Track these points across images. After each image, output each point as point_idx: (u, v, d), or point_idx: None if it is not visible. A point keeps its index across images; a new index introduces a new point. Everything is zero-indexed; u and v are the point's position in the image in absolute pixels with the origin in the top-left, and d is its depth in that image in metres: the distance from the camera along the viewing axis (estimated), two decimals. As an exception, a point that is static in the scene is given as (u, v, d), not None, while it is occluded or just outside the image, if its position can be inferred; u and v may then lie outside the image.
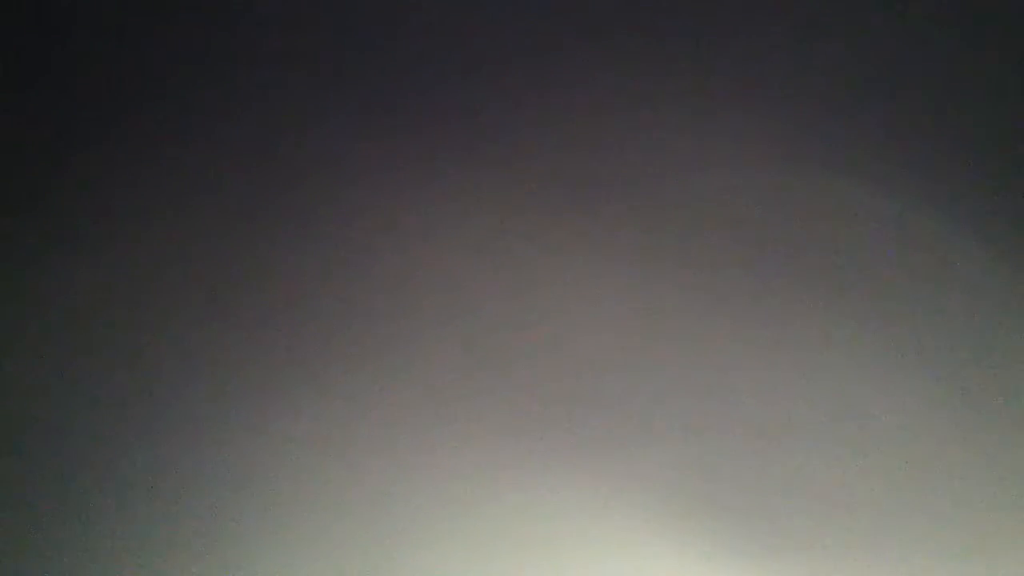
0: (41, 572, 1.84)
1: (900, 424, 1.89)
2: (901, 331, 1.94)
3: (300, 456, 1.90)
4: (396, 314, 1.96)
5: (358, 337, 1.95)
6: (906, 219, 1.98)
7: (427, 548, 1.86)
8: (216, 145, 2.05)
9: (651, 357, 1.93)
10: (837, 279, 1.96)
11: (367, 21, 2.10)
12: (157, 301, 1.97)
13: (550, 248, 1.99)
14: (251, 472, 1.89)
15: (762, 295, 1.96)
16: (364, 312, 1.97)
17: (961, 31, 2.04)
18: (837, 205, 1.99)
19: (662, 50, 2.07)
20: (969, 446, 1.88)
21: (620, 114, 2.05)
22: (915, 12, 2.06)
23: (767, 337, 1.94)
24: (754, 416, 1.90)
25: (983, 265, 1.96)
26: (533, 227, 2.00)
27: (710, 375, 1.92)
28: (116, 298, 1.97)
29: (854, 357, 1.93)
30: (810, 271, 1.97)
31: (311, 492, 1.88)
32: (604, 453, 1.89)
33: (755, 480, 1.87)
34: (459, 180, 2.03)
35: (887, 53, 2.05)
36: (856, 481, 1.87)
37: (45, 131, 2.05)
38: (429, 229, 2.01)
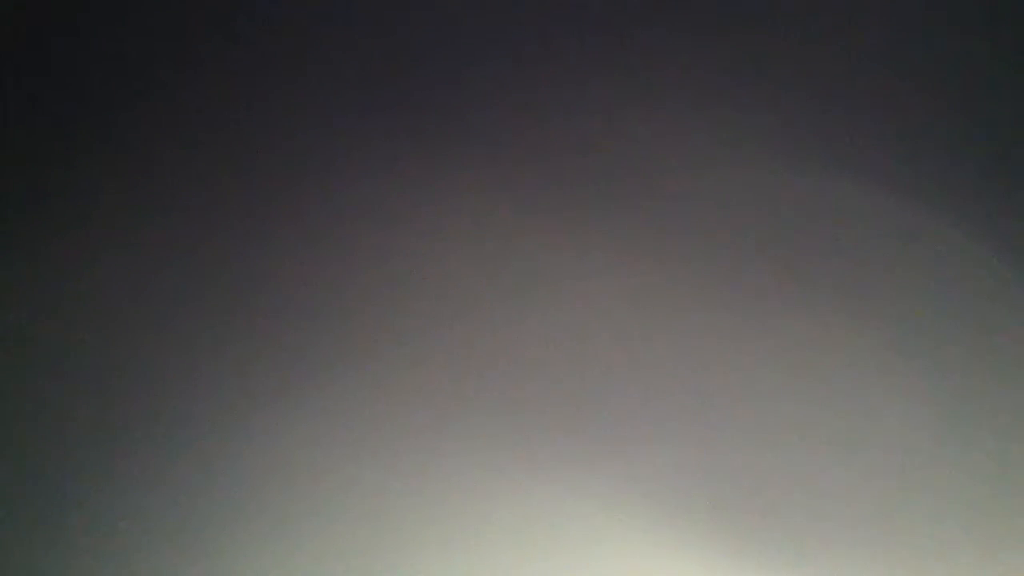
0: (42, 572, 1.84)
1: (901, 424, 1.89)
2: (902, 330, 1.94)
3: (299, 457, 1.90)
4: (397, 314, 1.96)
5: (358, 337, 1.95)
6: (906, 219, 1.98)
7: (428, 550, 1.86)
8: (215, 145, 2.05)
9: (651, 357, 1.93)
10: (837, 279, 1.96)
11: (367, 20, 2.10)
12: (156, 301, 1.97)
13: (552, 248, 1.99)
14: (250, 473, 1.89)
15: (762, 295, 1.96)
16: (364, 312, 1.97)
17: (961, 30, 2.04)
18: (837, 205, 1.99)
19: (663, 49, 2.07)
20: (969, 446, 1.88)
21: (619, 114, 2.05)
22: (915, 11, 2.06)
23: (768, 337, 1.94)
24: (755, 416, 1.90)
25: (983, 265, 1.96)
26: (534, 226, 2.00)
27: (710, 376, 1.92)
28: (116, 298, 1.97)
29: (855, 357, 1.93)
30: (810, 271, 1.97)
31: (311, 493, 1.88)
32: (606, 455, 1.89)
33: (757, 481, 1.87)
34: (458, 180, 2.03)
35: (887, 53, 2.05)
36: (857, 481, 1.87)
37: (45, 131, 2.05)
38: (429, 229, 2.01)
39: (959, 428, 1.89)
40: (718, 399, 1.91)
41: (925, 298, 1.95)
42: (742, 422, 1.90)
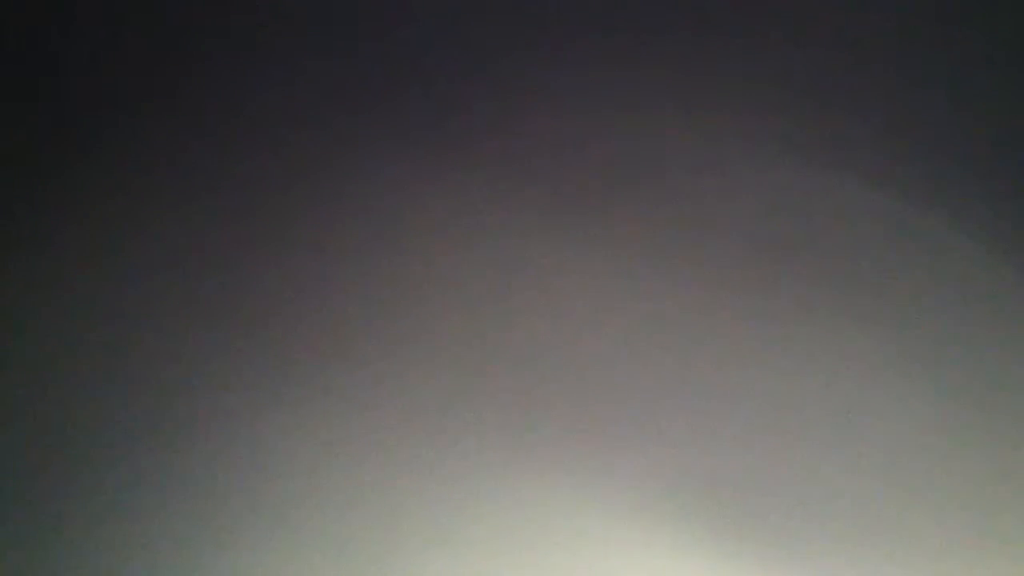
0: (42, 572, 1.84)
1: (900, 424, 1.89)
2: (901, 330, 1.94)
3: (300, 456, 1.90)
4: (396, 314, 1.96)
5: (358, 336, 1.96)
6: (906, 219, 1.98)
7: (427, 548, 1.86)
8: (215, 145, 2.05)
9: (652, 357, 1.93)
10: (837, 279, 1.96)
11: (367, 19, 2.10)
12: (157, 301, 1.97)
13: (551, 247, 1.99)
14: (250, 472, 1.89)
15: (761, 295, 1.96)
16: (364, 311, 1.97)
17: (961, 31, 2.04)
18: (837, 205, 1.99)
19: (663, 49, 2.07)
20: (969, 446, 1.88)
21: (620, 114, 2.05)
22: (915, 12, 2.06)
23: (767, 336, 1.94)
24: (754, 415, 1.90)
25: (983, 265, 1.96)
26: (534, 226, 2.01)
27: (710, 374, 1.92)
28: (116, 298, 1.97)
29: (854, 356, 1.93)
30: (810, 271, 1.97)
31: (311, 493, 1.88)
32: (606, 453, 1.89)
33: (756, 480, 1.87)
34: (459, 179, 2.03)
35: (887, 53, 2.05)
36: (856, 481, 1.87)
37: (45, 131, 2.05)
38: (429, 228, 2.01)
39: (959, 428, 1.89)
40: (718, 399, 1.91)
41: (925, 298, 1.95)
42: (742, 422, 1.90)
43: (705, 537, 1.85)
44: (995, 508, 1.85)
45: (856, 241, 1.98)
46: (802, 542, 1.85)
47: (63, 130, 2.05)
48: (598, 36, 2.08)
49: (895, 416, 1.90)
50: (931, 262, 1.97)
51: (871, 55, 2.05)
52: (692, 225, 2.00)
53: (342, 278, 1.99)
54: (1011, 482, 1.86)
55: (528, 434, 1.90)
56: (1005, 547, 1.84)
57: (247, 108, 2.07)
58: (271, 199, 2.02)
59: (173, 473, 1.89)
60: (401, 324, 1.96)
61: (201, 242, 2.00)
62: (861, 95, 2.04)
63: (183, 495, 1.88)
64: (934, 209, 1.98)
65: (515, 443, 1.90)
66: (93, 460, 1.89)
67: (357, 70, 2.08)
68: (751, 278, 1.97)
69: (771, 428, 1.90)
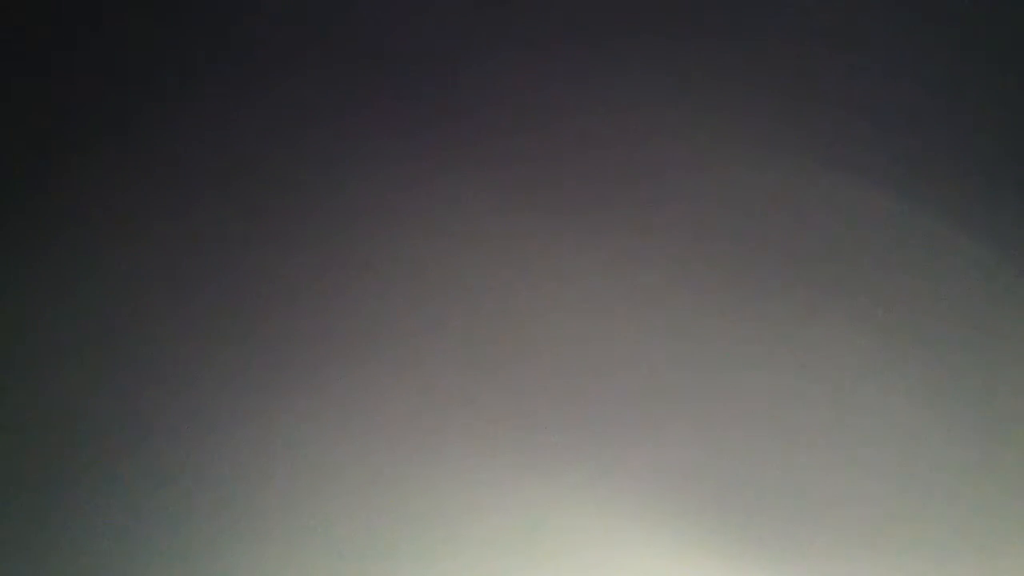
0: (41, 572, 1.84)
1: (900, 424, 1.90)
2: (901, 331, 1.94)
3: (299, 456, 1.90)
4: (396, 313, 1.96)
5: (358, 336, 1.95)
6: (906, 219, 1.98)
7: (426, 549, 1.86)
8: (215, 144, 2.05)
9: (652, 356, 1.94)
10: (837, 279, 1.97)
11: (368, 19, 2.10)
12: (157, 300, 1.97)
13: (551, 247, 1.99)
14: (250, 473, 1.89)
15: (762, 295, 1.96)
16: (364, 311, 1.97)
17: (961, 31, 2.04)
18: (837, 205, 1.99)
19: (663, 49, 2.07)
20: (969, 446, 1.88)
21: (621, 114, 2.05)
22: (915, 12, 2.06)
23: (766, 336, 1.94)
24: (753, 416, 1.90)
25: (983, 265, 1.96)
26: (534, 226, 2.01)
27: (711, 374, 1.92)
28: (116, 298, 1.97)
29: (854, 356, 1.93)
30: (810, 271, 1.97)
31: (310, 493, 1.88)
32: (604, 453, 1.89)
33: (755, 480, 1.87)
34: (459, 179, 2.03)
35: (887, 52, 2.05)
36: (855, 481, 1.87)
37: (45, 130, 2.05)
38: (429, 228, 2.01)
39: (959, 429, 1.89)
40: (718, 398, 1.91)
41: (924, 298, 1.95)
42: (743, 421, 1.90)
43: (706, 537, 1.85)
44: (996, 509, 1.85)
45: (855, 241, 1.98)
46: (803, 542, 1.85)
47: (66, 128, 2.05)
48: (598, 37, 2.08)
49: (894, 415, 1.90)
50: (931, 262, 1.97)
51: (871, 55, 2.05)
52: (691, 225, 2.00)
53: (343, 278, 1.98)
54: (1011, 482, 1.86)
55: (530, 434, 1.90)
56: (1005, 547, 1.84)
57: (247, 108, 2.06)
58: (272, 199, 2.02)
59: (174, 473, 1.89)
60: (403, 324, 1.96)
61: (201, 242, 2.00)
62: (861, 95, 2.04)
63: (184, 495, 1.88)
64: (934, 209, 1.98)
65: (517, 443, 1.90)
66: (93, 460, 1.89)
67: (358, 70, 2.08)
68: (751, 278, 1.97)
69: (772, 428, 1.90)
